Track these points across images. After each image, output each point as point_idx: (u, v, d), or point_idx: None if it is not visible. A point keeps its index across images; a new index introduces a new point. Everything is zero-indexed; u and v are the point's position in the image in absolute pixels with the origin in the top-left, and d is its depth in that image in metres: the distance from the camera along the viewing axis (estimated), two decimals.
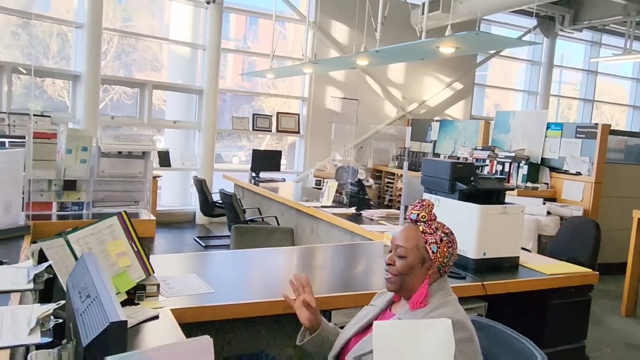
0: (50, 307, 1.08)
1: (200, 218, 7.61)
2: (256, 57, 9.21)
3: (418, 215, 1.62)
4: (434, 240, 1.59)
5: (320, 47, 8.27)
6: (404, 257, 1.59)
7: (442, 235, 1.61)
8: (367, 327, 1.65)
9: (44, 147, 2.27)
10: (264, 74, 7.10)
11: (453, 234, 1.66)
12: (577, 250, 3.97)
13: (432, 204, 1.66)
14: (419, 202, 1.66)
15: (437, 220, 1.66)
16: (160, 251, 5.90)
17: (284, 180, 6.77)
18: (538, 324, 2.71)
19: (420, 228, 1.61)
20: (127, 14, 9.61)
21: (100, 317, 0.98)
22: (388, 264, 1.63)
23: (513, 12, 8.32)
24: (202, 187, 6.31)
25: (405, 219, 1.73)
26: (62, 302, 1.09)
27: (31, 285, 1.30)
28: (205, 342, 0.88)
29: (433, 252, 1.58)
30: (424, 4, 4.70)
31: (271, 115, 8.49)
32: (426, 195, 3.05)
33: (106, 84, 7.65)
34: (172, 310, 1.88)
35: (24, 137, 4.09)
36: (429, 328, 0.75)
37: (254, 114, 8.38)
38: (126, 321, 0.91)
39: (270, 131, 8.43)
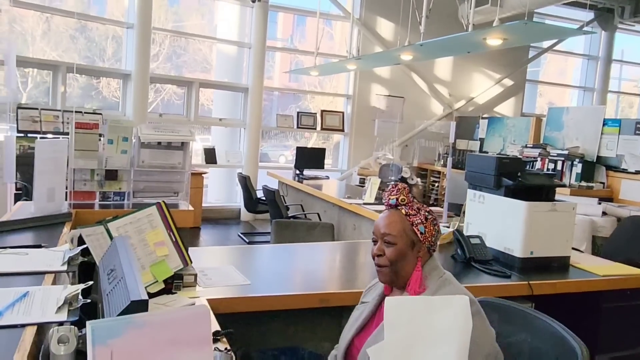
0: (78, 287, 1.09)
1: (245, 214, 7.69)
2: (302, 56, 9.24)
3: (397, 199, 1.57)
4: (420, 221, 1.55)
5: (365, 44, 8.20)
6: (393, 244, 1.53)
7: (426, 213, 1.57)
8: (365, 326, 1.62)
9: (86, 137, 2.33)
10: (308, 71, 7.10)
11: (433, 212, 1.63)
12: (634, 251, 3.75)
13: (407, 187, 1.62)
14: (393, 186, 1.61)
15: (415, 200, 1.62)
16: (204, 246, 6.00)
17: (327, 177, 6.75)
18: (591, 328, 2.57)
19: (403, 211, 1.55)
20: (178, 16, 9.85)
21: (124, 296, 0.97)
22: (377, 255, 1.56)
23: (567, 4, 7.97)
24: (246, 183, 6.37)
25: (385, 205, 1.61)
26: (90, 282, 1.10)
27: (65, 267, 1.32)
28: (202, 311, 0.85)
29: (421, 232, 1.54)
30: None
31: (315, 113, 8.49)
32: (470, 192, 2.95)
33: (155, 83, 7.85)
34: (208, 300, 1.89)
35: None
36: (446, 305, 0.69)
37: (298, 112, 8.40)
38: (147, 300, 0.90)
39: (315, 129, 8.42)
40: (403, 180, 4.89)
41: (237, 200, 8.09)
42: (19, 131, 5.23)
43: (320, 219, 5.22)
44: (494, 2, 6.92)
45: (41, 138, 4.50)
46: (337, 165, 8.90)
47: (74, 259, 1.38)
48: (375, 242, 1.59)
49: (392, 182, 1.68)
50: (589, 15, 9.67)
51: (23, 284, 1.22)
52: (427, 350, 0.70)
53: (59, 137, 5.00)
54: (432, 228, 1.56)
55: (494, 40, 3.54)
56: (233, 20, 8.13)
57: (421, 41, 4.16)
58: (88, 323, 0.76)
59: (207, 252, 2.81)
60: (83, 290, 1.18)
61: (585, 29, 9.90)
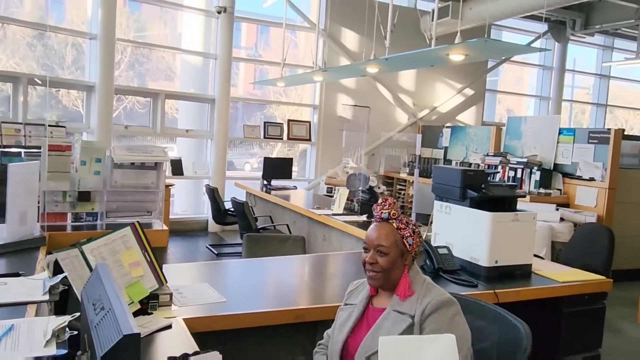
0: (65, 319, 1.10)
1: (213, 226, 7.64)
2: (268, 66, 9.27)
3: (389, 213, 1.74)
4: (409, 234, 1.73)
5: (330, 54, 8.30)
6: (386, 254, 1.71)
7: (413, 227, 1.76)
8: (356, 326, 1.75)
9: (59, 159, 2.31)
10: (275, 82, 7.14)
11: (417, 224, 1.84)
12: (591, 257, 3.94)
13: (395, 201, 1.81)
14: (384, 201, 1.77)
15: (402, 214, 1.80)
16: (173, 259, 5.95)
17: (295, 188, 6.79)
18: (553, 332, 2.69)
19: (394, 225, 1.74)
20: (140, 24, 9.73)
21: (114, 329, 0.99)
22: (371, 263, 1.72)
23: (524, 17, 8.29)
24: (214, 195, 6.35)
25: (376, 218, 1.79)
26: (77, 314, 1.11)
27: (47, 297, 1.32)
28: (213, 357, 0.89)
29: (410, 244, 1.73)
30: (433, 11, 4.71)
31: (282, 123, 8.53)
32: (437, 203, 3.05)
33: (120, 94, 7.74)
34: (184, 319, 1.90)
35: (39, 148, 4.15)
36: (434, 342, 0.76)
37: (265, 122, 8.42)
38: (139, 333, 0.93)
39: (282, 139, 8.47)
40: (370, 189, 4.97)
41: (205, 212, 8.04)
42: None
43: (289, 230, 5.26)
44: (454, 14, 7.14)
45: (2, 152, 4.39)
46: (304, 174, 8.95)
47: (55, 287, 1.39)
48: (367, 250, 1.76)
49: (382, 197, 1.90)
50: (543, 27, 10.07)
51: (6, 317, 1.22)
52: None
53: (20, 152, 4.87)
54: (418, 240, 1.76)
55: (456, 56, 3.67)
56: (198, 30, 8.10)
57: (386, 55, 4.27)
58: None
59: (180, 269, 2.80)
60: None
61: (540, 40, 10.30)
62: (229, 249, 6.72)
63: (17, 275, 1.63)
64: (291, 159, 7.41)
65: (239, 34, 9.73)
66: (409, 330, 1.61)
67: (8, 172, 1.92)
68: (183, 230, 7.69)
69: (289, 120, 8.54)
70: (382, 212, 1.76)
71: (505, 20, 8.80)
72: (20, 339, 1.06)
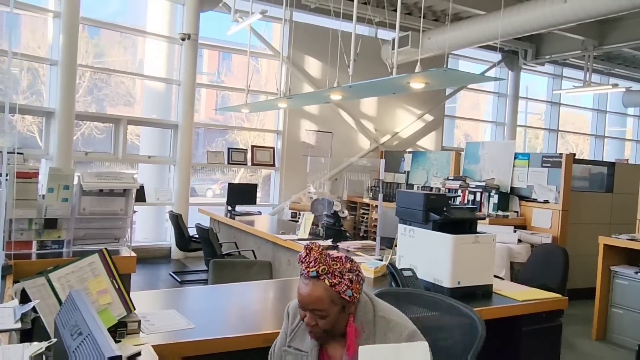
0: (42, 345, 1.11)
1: (176, 253, 7.54)
2: (229, 92, 9.32)
3: (318, 270, 1.54)
4: (346, 286, 1.54)
5: (294, 81, 8.43)
6: (325, 316, 1.54)
7: (350, 275, 1.56)
8: None
9: (25, 187, 2.29)
10: (239, 108, 7.19)
11: (354, 262, 1.61)
12: (547, 276, 4.09)
13: (321, 246, 1.60)
14: (307, 253, 1.57)
15: (331, 257, 1.58)
16: (135, 287, 5.79)
17: (259, 213, 6.80)
18: (514, 350, 2.78)
19: (327, 282, 1.53)
20: (99, 49, 9.65)
21: (95, 353, 1.01)
22: (311, 325, 1.56)
23: (479, 47, 8.66)
24: (177, 221, 6.29)
25: (304, 276, 1.59)
26: (54, 340, 1.12)
27: (19, 325, 1.32)
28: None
29: (349, 296, 1.54)
30: (393, 40, 4.89)
31: (246, 149, 8.56)
32: (401, 226, 3.13)
33: (81, 120, 7.63)
34: (153, 346, 1.90)
35: None
36: (411, 350, 0.81)
37: (229, 148, 8.43)
38: (121, 356, 0.95)
39: (246, 164, 8.48)
40: (335, 214, 5.04)
41: (167, 238, 7.92)
42: None
43: (255, 256, 5.25)
44: (414, 44, 7.40)
45: None
46: (269, 199, 8.96)
47: (27, 315, 1.38)
48: (303, 309, 1.58)
49: (305, 246, 1.60)
50: (497, 56, 10.54)
51: None
52: None
53: None
54: (358, 287, 1.57)
55: (416, 84, 3.83)
56: (161, 56, 8.10)
57: (350, 83, 4.39)
58: None
59: (147, 296, 2.78)
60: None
61: (494, 69, 10.76)
62: (193, 276, 6.63)
63: None
64: (255, 184, 7.44)
65: (201, 60, 9.77)
66: None
67: None
68: (145, 257, 7.54)
69: (252, 146, 8.58)
70: (309, 271, 1.54)
71: (461, 50, 9.18)
72: None
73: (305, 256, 1.56)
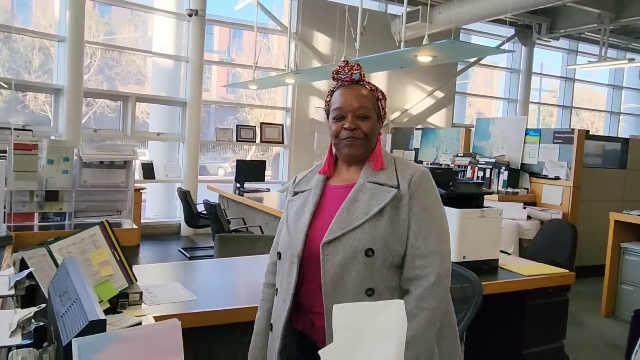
0: (31, 310, 1.11)
1: (185, 229, 7.59)
2: (240, 69, 9.27)
3: (361, 74, 1.54)
4: (382, 96, 1.56)
5: (302, 58, 8.35)
6: (368, 118, 1.50)
7: (381, 91, 1.59)
8: (317, 209, 1.52)
9: (25, 159, 2.29)
10: (247, 85, 7.15)
11: None
12: (555, 252, 4.06)
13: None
14: (346, 63, 1.55)
15: None
16: (144, 263, 5.88)
17: (268, 190, 6.80)
18: (518, 324, 2.77)
19: (368, 87, 1.54)
20: (110, 27, 9.63)
21: (80, 316, 1.01)
22: (352, 129, 1.49)
23: (491, 21, 8.49)
24: (186, 198, 6.32)
25: (343, 80, 1.55)
26: (43, 305, 1.12)
27: (12, 292, 1.32)
28: (173, 324, 0.93)
29: (383, 108, 1.56)
30: (403, 14, 4.80)
31: (255, 126, 8.53)
32: None
33: (89, 97, 7.64)
34: (154, 317, 1.90)
35: (5, 151, 4.08)
36: (386, 309, 0.80)
37: (237, 125, 8.41)
38: (105, 319, 0.94)
39: (255, 142, 8.47)
40: None
41: (177, 215, 7.98)
42: None
43: (262, 232, 5.27)
44: (423, 18, 7.26)
45: None
46: (278, 177, 8.97)
47: (21, 282, 1.39)
48: (339, 118, 1.51)
49: (341, 61, 1.59)
50: (510, 31, 10.32)
51: None
52: (372, 347, 0.81)
53: None
54: (385, 106, 1.58)
55: (424, 57, 3.75)
56: (169, 33, 8.05)
57: (357, 57, 4.33)
58: (74, 340, 0.83)
59: (151, 269, 2.79)
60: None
61: (506, 44, 10.55)
62: (202, 252, 6.69)
63: None
64: (264, 161, 7.43)
65: (211, 38, 9.71)
66: (395, 202, 1.43)
67: None
68: (155, 234, 7.62)
69: (261, 123, 8.55)
70: (352, 73, 1.52)
71: (474, 24, 9.00)
72: None
73: (344, 66, 1.54)
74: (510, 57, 10.98)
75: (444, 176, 2.92)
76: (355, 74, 1.52)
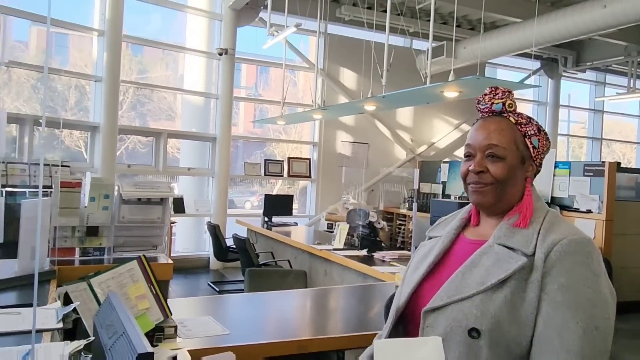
0: (81, 342, 1.16)
1: (214, 263, 7.66)
2: (267, 105, 9.48)
3: (504, 104, 1.22)
4: (533, 132, 1.22)
5: (329, 93, 8.50)
6: (502, 159, 1.19)
7: (538, 124, 1.25)
8: (439, 262, 1.27)
9: (69, 196, 2.41)
10: (275, 120, 7.30)
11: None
12: None
13: (512, 91, 1.27)
14: (494, 89, 1.26)
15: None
16: (175, 296, 5.94)
17: (296, 224, 6.85)
18: None
19: (512, 119, 1.22)
20: (142, 66, 10.01)
21: (128, 349, 1.05)
22: (478, 172, 1.20)
23: (516, 55, 8.53)
24: (215, 232, 6.40)
25: (482, 111, 1.27)
26: (92, 338, 1.17)
27: (60, 325, 1.38)
28: (228, 357, 0.96)
29: (534, 146, 1.21)
30: (428, 50, 4.89)
31: (282, 161, 8.66)
32: None
33: (123, 134, 7.90)
34: (189, 351, 1.94)
35: (46, 186, 4.26)
36: (422, 345, 0.82)
37: (265, 160, 8.55)
38: (152, 353, 0.99)
39: (282, 176, 8.57)
40: (370, 224, 5.03)
41: (206, 249, 8.07)
42: None
43: (291, 266, 5.29)
44: (448, 53, 7.35)
45: (8, 192, 4.47)
46: (305, 211, 9.02)
47: (68, 316, 1.45)
48: (469, 157, 1.24)
49: (491, 86, 1.30)
50: (535, 64, 10.34)
51: (23, 343, 1.28)
52: None
53: (25, 191, 4.95)
54: (545, 143, 1.24)
55: (450, 93, 3.81)
56: (199, 71, 8.32)
57: (383, 93, 4.41)
58: None
59: (183, 303, 2.85)
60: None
61: (533, 77, 10.56)
62: (231, 286, 6.73)
63: (30, 305, 1.69)
64: (291, 196, 7.51)
65: (239, 74, 9.98)
66: (523, 275, 1.10)
67: (22, 208, 2.01)
68: (185, 267, 7.70)
69: (289, 158, 8.67)
70: (493, 102, 1.23)
71: (499, 58, 9.06)
72: None
73: (488, 93, 1.26)
74: (537, 90, 10.96)
75: None
76: (497, 103, 1.23)
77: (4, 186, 5.28)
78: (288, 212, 7.00)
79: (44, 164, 5.43)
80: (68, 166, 6.17)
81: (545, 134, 1.25)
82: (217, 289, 6.48)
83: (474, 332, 1.08)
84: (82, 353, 1.14)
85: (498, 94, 1.23)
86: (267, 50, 7.57)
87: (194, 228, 8.35)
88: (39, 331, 1.36)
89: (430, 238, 1.36)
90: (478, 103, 1.27)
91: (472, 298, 1.11)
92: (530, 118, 1.24)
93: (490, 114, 1.24)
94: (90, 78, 7.29)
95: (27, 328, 1.40)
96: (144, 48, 9.05)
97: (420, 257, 1.31)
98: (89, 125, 7.15)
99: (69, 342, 1.21)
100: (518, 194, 1.22)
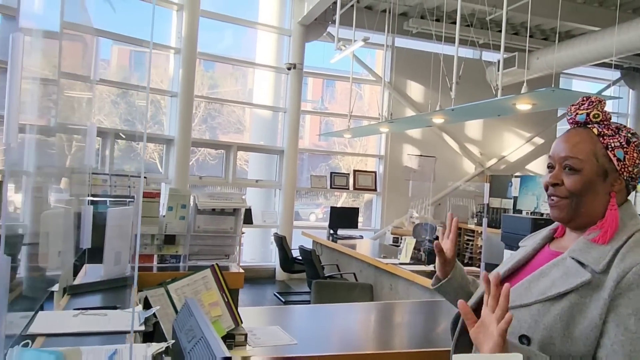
0: (162, 345, 1.23)
1: (280, 274, 7.78)
2: (333, 118, 9.57)
3: (589, 114, 1.17)
4: (619, 144, 1.15)
5: (396, 106, 8.47)
6: (577, 171, 1.14)
7: (628, 135, 1.16)
8: (518, 269, 1.27)
9: (150, 205, 2.55)
10: (342, 134, 7.36)
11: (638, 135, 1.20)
12: None
13: (603, 100, 1.20)
14: (584, 99, 1.20)
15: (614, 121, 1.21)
16: (242, 305, 6.07)
17: (361, 237, 6.84)
18: None
19: (595, 130, 1.16)
20: (213, 81, 10.41)
21: (207, 354, 1.10)
22: (553, 185, 1.18)
23: (594, 65, 8.16)
24: (282, 243, 6.51)
25: (570, 122, 1.23)
26: (172, 341, 1.24)
27: (143, 327, 1.46)
28: None
29: (619, 159, 1.14)
30: (499, 61, 4.78)
31: (348, 174, 8.69)
32: (507, 252, 3.02)
33: (196, 147, 8.23)
34: (259, 359, 1.99)
35: (122, 196, 4.52)
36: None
37: (331, 172, 8.62)
38: (231, 357, 1.03)
39: (348, 189, 8.61)
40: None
41: (272, 260, 8.21)
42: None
43: (356, 279, 5.28)
44: (520, 64, 7.14)
45: (91, 202, 4.78)
46: (370, 224, 8.99)
47: (149, 319, 1.53)
48: (551, 168, 1.21)
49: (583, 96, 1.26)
50: (615, 74, 9.82)
51: (109, 343, 1.37)
52: None
53: (106, 200, 5.26)
54: (635, 155, 1.15)
55: (523, 106, 3.70)
56: (268, 85, 8.55)
57: (452, 106, 4.35)
58: None
59: (252, 312, 2.91)
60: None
61: (613, 87, 10.02)
62: (296, 297, 6.80)
63: (114, 308, 1.80)
64: (357, 208, 7.51)
65: (305, 88, 10.16)
66: (588, 291, 1.07)
67: (107, 216, 2.15)
68: (251, 277, 7.87)
69: (354, 171, 8.70)
70: (577, 113, 1.19)
71: (574, 68, 8.69)
72: None
73: (577, 102, 1.21)
74: (617, 101, 10.39)
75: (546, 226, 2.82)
76: (581, 114, 1.18)
77: (92, 196, 5.63)
78: (353, 225, 7.00)
79: (123, 175, 5.76)
80: (145, 177, 6.50)
81: (637, 145, 1.16)
82: (283, 300, 6.56)
83: (524, 339, 1.09)
84: (163, 355, 1.21)
85: (584, 104, 1.19)
86: (334, 63, 7.67)
87: (260, 239, 8.53)
88: (123, 333, 1.44)
89: (519, 246, 1.36)
90: (567, 113, 1.24)
91: (530, 306, 1.11)
92: (619, 129, 1.17)
93: (575, 125, 1.20)
94: (166, 93, 7.67)
95: (114, 329, 1.49)
96: (215, 64, 9.41)
97: (505, 262, 1.32)
98: (164, 138, 7.51)
99: (150, 343, 1.28)
100: (600, 208, 1.15)
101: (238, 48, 10.50)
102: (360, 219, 8.14)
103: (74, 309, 1.72)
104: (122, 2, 6.82)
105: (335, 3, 6.90)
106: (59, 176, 2.33)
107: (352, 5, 7.07)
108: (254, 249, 8.56)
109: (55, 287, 2.02)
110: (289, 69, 8.02)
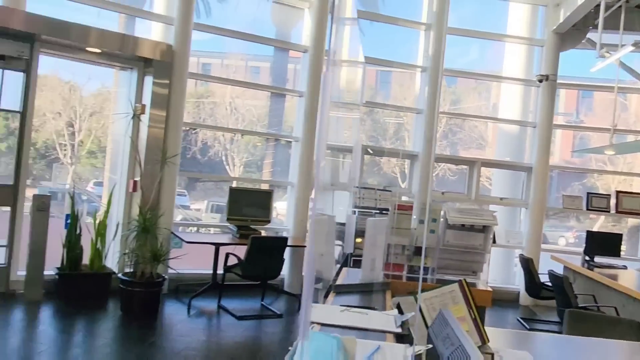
0: (422, 348, 1.31)
1: (524, 298, 7.30)
2: (590, 132, 8.64)
3: None
4: None
5: None
6: None
7: None
8: None
9: (402, 217, 2.71)
10: (602, 150, 6.59)
11: None
12: None
13: None
14: None
15: None
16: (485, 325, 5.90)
17: (625, 267, 6.01)
18: None
19: None
20: (455, 96, 10.42)
21: None
22: None
23: None
24: (528, 266, 6.12)
25: None
26: (430, 345, 1.31)
27: (400, 330, 1.57)
28: None
29: None
30: None
31: (609, 195, 7.71)
32: None
33: (437, 162, 8.34)
34: None
35: (369, 208, 4.85)
36: None
37: (588, 193, 7.76)
38: None
39: (608, 212, 7.63)
40: None
41: (515, 283, 7.77)
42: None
43: (617, 314, 4.66)
44: None
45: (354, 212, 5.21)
46: (636, 253, 7.81)
47: (404, 323, 1.64)
48: None
49: None
50: None
51: (370, 339, 1.52)
52: None
53: (355, 211, 5.70)
54: None
55: None
56: (515, 99, 8.18)
57: None
58: None
59: (497, 333, 2.82)
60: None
61: None
62: (543, 326, 6.30)
63: (373, 309, 1.98)
64: (620, 234, 6.63)
65: (557, 100, 9.42)
66: None
67: (367, 226, 2.37)
68: (492, 298, 7.57)
69: (617, 192, 7.68)
70: None
71: None
72: (387, 358, 1.30)
73: None
74: None
75: None
76: None
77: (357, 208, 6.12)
78: (615, 252, 6.20)
79: (369, 188, 6.16)
80: (390, 190, 6.84)
81: None
82: (528, 327, 6.15)
83: None
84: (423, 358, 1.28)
85: None
86: (593, 73, 6.94)
87: (503, 259, 8.16)
88: (383, 332, 1.58)
89: None
90: None
91: None
92: None
93: None
94: (411, 111, 7.96)
95: (377, 327, 1.64)
96: (458, 79, 9.41)
97: None
98: (408, 153, 7.79)
99: (408, 345, 1.37)
100: None
101: (483, 62, 10.31)
102: (623, 246, 7.14)
103: (340, 305, 1.94)
104: (369, 27, 7.38)
105: (597, 6, 6.26)
106: (343, 188, 2.64)
107: (620, 6, 6.32)
108: (496, 269, 8.22)
109: (319, 285, 2.30)
110: (540, 81, 7.54)
